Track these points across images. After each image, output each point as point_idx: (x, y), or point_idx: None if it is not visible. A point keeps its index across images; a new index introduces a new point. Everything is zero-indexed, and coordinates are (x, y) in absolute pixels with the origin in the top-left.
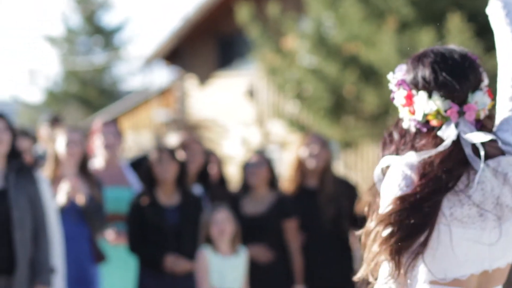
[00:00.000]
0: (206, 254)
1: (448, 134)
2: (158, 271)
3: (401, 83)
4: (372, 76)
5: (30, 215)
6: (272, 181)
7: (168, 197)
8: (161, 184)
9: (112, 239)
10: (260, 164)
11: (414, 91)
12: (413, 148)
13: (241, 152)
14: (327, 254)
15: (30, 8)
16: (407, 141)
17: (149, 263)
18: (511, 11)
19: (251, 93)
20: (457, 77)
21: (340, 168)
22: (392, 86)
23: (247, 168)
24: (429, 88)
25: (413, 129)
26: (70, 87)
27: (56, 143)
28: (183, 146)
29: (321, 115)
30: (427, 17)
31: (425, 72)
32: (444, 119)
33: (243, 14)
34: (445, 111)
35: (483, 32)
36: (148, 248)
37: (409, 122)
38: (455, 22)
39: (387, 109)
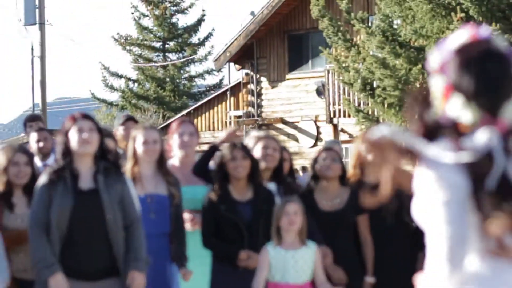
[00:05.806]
0: (268, 249)
1: (475, 143)
2: (232, 266)
3: (444, 72)
4: None
5: (121, 215)
6: (343, 176)
7: (240, 193)
8: (234, 181)
9: (188, 221)
10: (335, 159)
11: (452, 91)
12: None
13: (312, 147)
14: (393, 247)
15: (103, 9)
16: (432, 129)
17: (223, 258)
18: None
19: (321, 90)
20: (501, 94)
21: None
22: (433, 62)
23: (321, 162)
24: (469, 96)
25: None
26: (145, 87)
27: (134, 142)
28: (261, 143)
29: (390, 108)
30: (491, 11)
31: (471, 83)
32: (473, 127)
33: (315, 8)
34: (479, 121)
35: None
36: (222, 243)
37: (437, 110)
38: None
39: None
